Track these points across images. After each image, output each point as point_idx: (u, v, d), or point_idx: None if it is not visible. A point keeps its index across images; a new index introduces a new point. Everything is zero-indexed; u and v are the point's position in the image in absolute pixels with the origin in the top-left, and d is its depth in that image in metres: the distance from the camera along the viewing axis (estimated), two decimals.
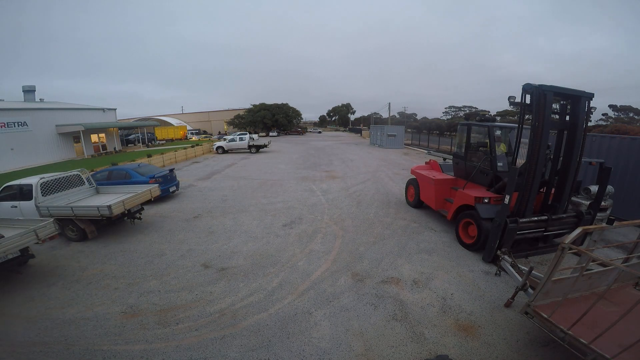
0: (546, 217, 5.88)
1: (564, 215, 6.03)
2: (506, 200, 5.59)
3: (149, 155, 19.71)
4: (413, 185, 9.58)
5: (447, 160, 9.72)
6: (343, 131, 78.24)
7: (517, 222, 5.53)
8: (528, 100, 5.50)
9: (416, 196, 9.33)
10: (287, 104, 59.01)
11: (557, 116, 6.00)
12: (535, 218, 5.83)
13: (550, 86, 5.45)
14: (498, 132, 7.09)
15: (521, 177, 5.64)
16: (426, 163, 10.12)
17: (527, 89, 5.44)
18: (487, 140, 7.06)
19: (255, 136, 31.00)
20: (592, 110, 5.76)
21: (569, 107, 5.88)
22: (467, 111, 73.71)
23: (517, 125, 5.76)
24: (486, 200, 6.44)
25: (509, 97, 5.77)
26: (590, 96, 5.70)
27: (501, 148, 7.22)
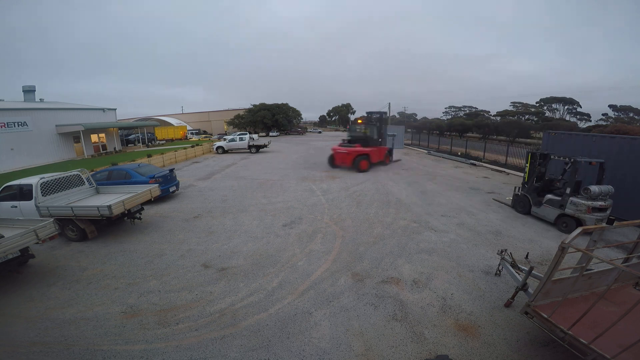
0: None
1: None
2: None
3: (149, 155, 19.70)
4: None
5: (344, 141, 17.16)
6: (343, 131, 78.20)
7: None
8: None
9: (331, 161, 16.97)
10: (287, 104, 58.95)
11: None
12: None
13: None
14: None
15: None
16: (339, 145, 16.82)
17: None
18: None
19: (255, 136, 30.98)
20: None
21: None
22: (467, 111, 73.80)
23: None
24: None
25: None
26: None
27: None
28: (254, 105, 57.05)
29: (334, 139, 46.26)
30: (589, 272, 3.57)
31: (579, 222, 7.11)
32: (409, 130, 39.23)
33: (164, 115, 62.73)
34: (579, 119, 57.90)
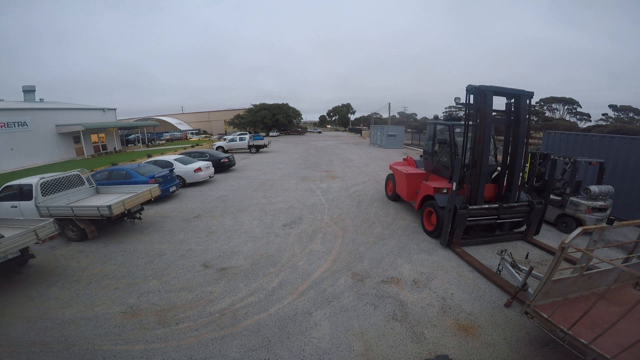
0: (497, 205, 6.29)
1: (515, 204, 6.41)
2: (453, 187, 6.07)
3: (149, 155, 19.72)
4: (391, 179, 10.11)
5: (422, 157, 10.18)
6: (343, 131, 78.19)
7: (466, 209, 6.00)
8: (472, 100, 5.99)
9: (393, 190, 9.93)
10: (287, 104, 59.02)
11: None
12: (486, 205, 6.26)
13: (489, 86, 5.97)
14: (458, 130, 7.37)
15: (472, 169, 6.14)
16: (403, 159, 10.64)
17: (469, 89, 5.94)
18: (448, 137, 7.48)
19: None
20: (534, 107, 6.12)
21: (512, 105, 6.41)
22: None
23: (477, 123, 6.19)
24: (444, 191, 6.81)
25: (455, 98, 6.24)
26: (530, 95, 6.23)
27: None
28: (254, 105, 57.10)
29: (334, 139, 46.30)
30: (589, 272, 3.57)
31: (579, 222, 7.11)
32: (409, 130, 39.23)
33: (163, 115, 62.80)
34: (578, 119, 57.86)
